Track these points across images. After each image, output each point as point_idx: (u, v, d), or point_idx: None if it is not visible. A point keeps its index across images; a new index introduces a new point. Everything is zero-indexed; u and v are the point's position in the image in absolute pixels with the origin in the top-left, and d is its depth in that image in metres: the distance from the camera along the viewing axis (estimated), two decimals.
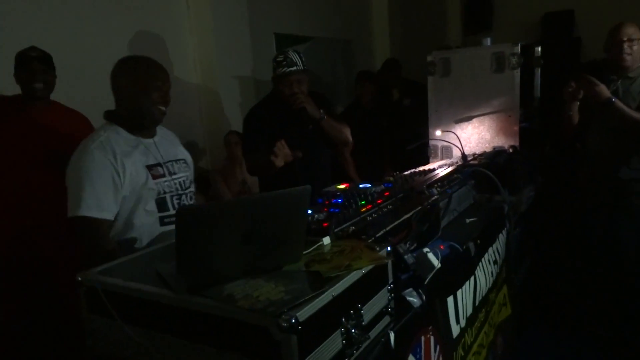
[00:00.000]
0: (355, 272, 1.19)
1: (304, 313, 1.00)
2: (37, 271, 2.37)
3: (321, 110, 2.59)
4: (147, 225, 1.86)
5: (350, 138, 2.79)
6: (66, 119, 2.47)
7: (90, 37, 3.26)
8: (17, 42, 2.48)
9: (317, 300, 1.05)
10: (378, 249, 1.33)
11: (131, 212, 1.84)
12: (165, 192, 1.91)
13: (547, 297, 3.23)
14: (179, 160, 2.05)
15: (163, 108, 1.92)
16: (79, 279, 1.29)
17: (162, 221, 1.89)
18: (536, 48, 3.38)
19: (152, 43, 3.74)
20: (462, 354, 1.82)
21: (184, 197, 1.99)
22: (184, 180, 2.02)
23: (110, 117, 1.92)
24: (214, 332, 1.07)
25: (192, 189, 2.08)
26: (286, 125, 2.58)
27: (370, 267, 1.24)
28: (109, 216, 1.78)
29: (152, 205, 1.87)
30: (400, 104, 4.61)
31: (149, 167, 1.88)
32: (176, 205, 1.94)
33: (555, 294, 3.28)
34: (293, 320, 0.96)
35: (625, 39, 2.67)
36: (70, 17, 3.16)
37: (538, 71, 3.40)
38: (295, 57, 2.54)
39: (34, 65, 2.34)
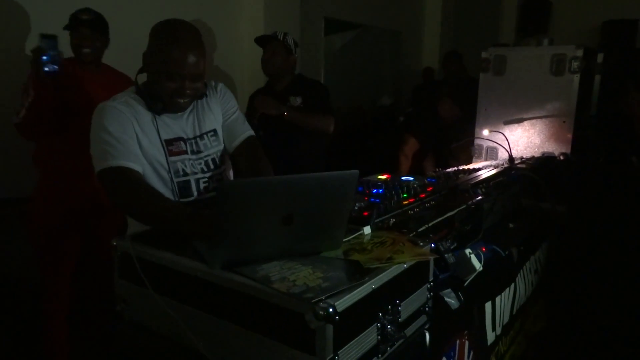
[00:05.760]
0: (396, 266, 1.13)
1: (342, 303, 0.95)
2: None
3: (283, 107, 2.67)
4: None
5: (325, 127, 2.76)
6: (116, 83, 2.45)
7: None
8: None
9: (356, 291, 1.00)
10: (421, 244, 1.27)
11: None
12: (187, 174, 1.61)
13: (586, 312, 3.07)
14: (208, 132, 1.69)
15: (181, 100, 1.57)
16: (114, 243, 1.28)
17: None
18: (599, 54, 3.21)
19: (203, 13, 3.73)
20: None
21: (212, 180, 1.67)
22: (212, 159, 1.69)
23: (137, 86, 1.62)
24: (245, 312, 1.03)
25: (224, 166, 1.75)
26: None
27: (412, 262, 1.17)
28: (139, 168, 1.50)
29: (168, 184, 1.58)
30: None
31: (167, 142, 1.59)
32: (202, 190, 1.64)
33: (595, 310, 3.12)
34: (331, 309, 0.91)
35: None
36: None
37: (598, 78, 3.23)
38: None
39: (83, 30, 2.31)
